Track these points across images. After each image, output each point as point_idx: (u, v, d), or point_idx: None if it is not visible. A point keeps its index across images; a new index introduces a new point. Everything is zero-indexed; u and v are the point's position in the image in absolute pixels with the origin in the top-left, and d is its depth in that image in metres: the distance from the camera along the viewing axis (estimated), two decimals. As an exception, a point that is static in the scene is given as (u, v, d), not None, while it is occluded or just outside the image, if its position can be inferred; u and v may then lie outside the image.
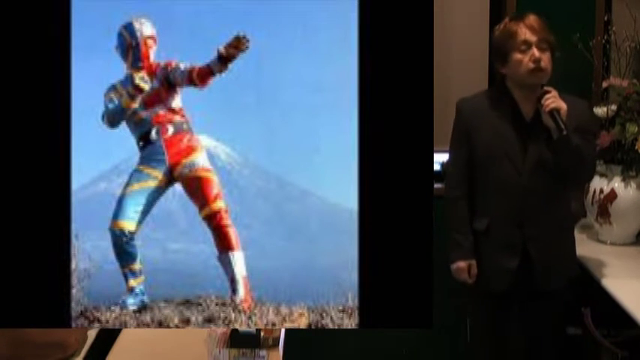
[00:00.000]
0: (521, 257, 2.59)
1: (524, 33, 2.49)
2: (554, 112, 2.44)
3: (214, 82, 2.06)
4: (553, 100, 2.45)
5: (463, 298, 2.88)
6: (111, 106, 2.11)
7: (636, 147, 2.94)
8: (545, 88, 2.50)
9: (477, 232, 2.67)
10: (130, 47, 2.12)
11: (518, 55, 2.50)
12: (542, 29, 2.50)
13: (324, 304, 1.95)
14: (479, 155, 2.62)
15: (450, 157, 2.76)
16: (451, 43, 3.46)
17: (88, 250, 2.00)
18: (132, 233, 2.04)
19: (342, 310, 1.93)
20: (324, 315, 1.92)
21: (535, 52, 2.48)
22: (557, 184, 2.58)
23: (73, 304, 1.86)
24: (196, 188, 2.07)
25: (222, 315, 1.92)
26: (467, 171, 2.67)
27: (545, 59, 2.49)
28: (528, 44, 2.49)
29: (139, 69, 2.11)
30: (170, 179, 2.10)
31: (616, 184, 3.05)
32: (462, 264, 2.68)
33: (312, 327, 1.91)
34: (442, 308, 3.20)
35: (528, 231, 2.58)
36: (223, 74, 2.04)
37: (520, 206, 2.57)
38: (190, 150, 2.10)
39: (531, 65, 2.47)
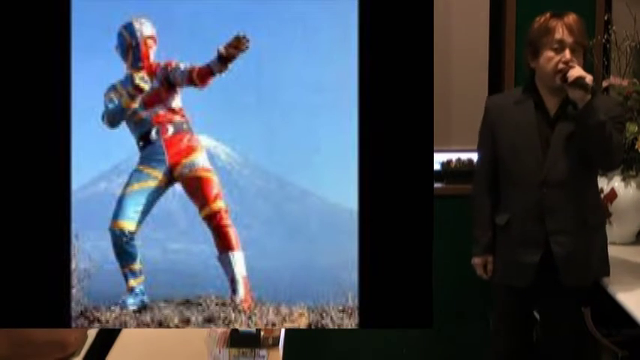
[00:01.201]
0: (543, 253, 2.59)
1: (561, 32, 2.48)
2: (579, 80, 2.41)
3: (214, 82, 2.06)
4: (577, 70, 2.43)
5: (467, 296, 2.88)
6: (111, 106, 2.12)
7: (636, 146, 2.94)
8: (566, 58, 2.46)
9: (498, 227, 2.68)
10: (130, 47, 2.12)
11: (550, 53, 2.50)
12: (580, 32, 2.50)
13: (324, 304, 1.95)
14: (502, 150, 2.65)
15: (477, 153, 2.80)
16: (451, 43, 3.46)
17: (88, 250, 2.00)
18: (132, 233, 2.04)
19: (342, 310, 1.93)
20: (324, 315, 1.92)
21: (567, 53, 2.47)
22: (579, 179, 2.57)
23: (73, 304, 1.86)
24: (196, 188, 2.07)
25: (222, 315, 1.92)
26: (490, 167, 2.71)
27: (577, 62, 2.48)
28: (562, 44, 2.48)
29: (139, 69, 2.11)
30: (170, 179, 2.10)
31: (616, 184, 3.05)
32: (477, 260, 2.76)
33: (312, 327, 1.91)
34: (442, 308, 3.21)
35: (550, 225, 2.57)
36: (223, 74, 2.04)
37: (541, 200, 2.56)
38: (190, 150, 2.10)
39: (561, 66, 2.47)
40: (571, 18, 2.51)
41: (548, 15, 2.56)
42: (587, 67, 3.18)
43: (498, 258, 2.73)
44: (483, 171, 2.75)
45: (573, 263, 2.58)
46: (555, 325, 2.71)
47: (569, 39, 2.48)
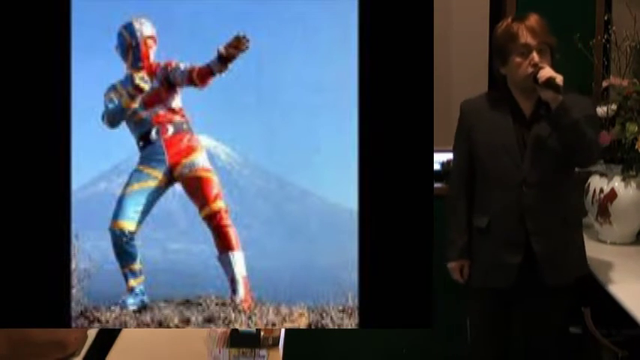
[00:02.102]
0: (524, 253, 2.59)
1: (525, 36, 2.49)
2: (550, 80, 2.41)
3: (214, 82, 2.06)
4: (547, 71, 2.44)
5: (467, 296, 2.88)
6: (111, 106, 2.12)
7: (636, 146, 2.94)
8: (535, 61, 2.47)
9: (478, 229, 2.68)
10: (130, 47, 2.12)
11: (517, 59, 2.51)
12: (543, 32, 2.50)
13: (324, 304, 1.95)
14: (478, 152, 2.65)
15: (453, 156, 2.80)
16: (451, 43, 3.46)
17: (88, 250, 2.00)
18: (132, 233, 2.04)
19: (342, 310, 1.93)
20: (324, 315, 1.92)
21: (535, 56, 2.48)
22: (558, 178, 2.58)
23: (73, 304, 1.86)
24: (196, 188, 2.07)
25: (222, 315, 1.92)
26: (466, 170, 2.70)
27: (545, 62, 2.48)
28: (528, 48, 2.49)
29: (139, 69, 2.11)
30: (170, 179, 2.10)
31: (616, 184, 3.05)
32: (453, 264, 2.74)
33: (312, 327, 1.91)
34: (442, 308, 3.21)
35: (530, 225, 2.57)
36: (223, 74, 2.04)
37: (520, 201, 2.57)
38: (190, 150, 2.10)
39: (530, 69, 2.48)
40: (532, 19, 2.51)
41: (509, 20, 2.57)
42: (587, 68, 3.20)
43: (477, 261, 2.71)
44: (459, 174, 2.74)
45: (554, 262, 2.59)
46: (538, 324, 2.71)
47: (533, 41, 2.48)
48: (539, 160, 2.55)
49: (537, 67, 2.46)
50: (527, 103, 2.57)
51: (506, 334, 2.79)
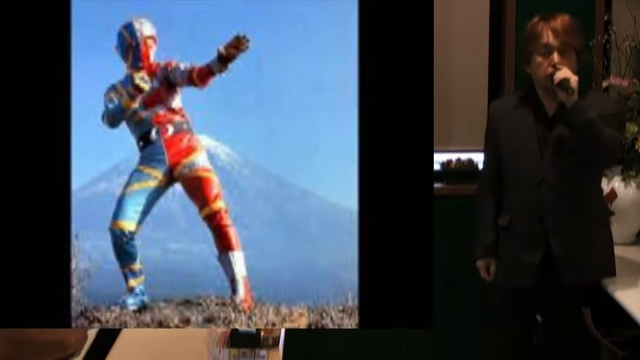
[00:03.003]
0: (544, 253, 2.59)
1: (547, 36, 2.50)
2: (564, 82, 2.42)
3: (214, 82, 2.06)
4: (563, 72, 2.44)
5: (467, 296, 2.89)
6: (111, 106, 2.12)
7: (636, 147, 2.94)
8: (554, 62, 2.48)
9: (501, 228, 2.70)
10: (130, 47, 2.12)
11: (539, 59, 2.52)
12: (567, 33, 2.50)
13: (324, 304, 1.95)
14: (503, 153, 2.68)
15: (483, 155, 2.85)
16: (451, 43, 3.46)
17: (88, 250, 2.00)
18: (132, 233, 2.04)
19: (342, 310, 1.93)
20: (324, 315, 1.92)
21: (555, 57, 2.48)
22: (578, 178, 2.58)
23: (73, 304, 1.86)
24: (196, 188, 2.07)
25: (222, 315, 1.92)
26: (494, 169, 2.74)
27: (567, 64, 2.48)
28: (549, 48, 2.49)
29: (139, 69, 2.11)
30: (170, 179, 2.10)
31: (616, 184, 3.05)
32: (480, 262, 2.80)
33: (312, 327, 1.91)
34: (442, 308, 3.20)
35: (549, 225, 2.58)
36: (223, 74, 2.04)
37: (540, 200, 2.57)
38: (190, 150, 2.10)
39: (550, 70, 2.48)
40: (558, 20, 2.52)
41: (536, 19, 2.58)
42: (587, 68, 3.20)
43: (500, 260, 2.73)
44: (487, 173, 2.80)
45: (574, 262, 2.58)
46: (557, 325, 2.71)
47: (555, 42, 2.49)
48: (559, 161, 2.55)
49: (555, 68, 2.46)
50: (551, 103, 2.57)
51: (527, 332, 2.79)
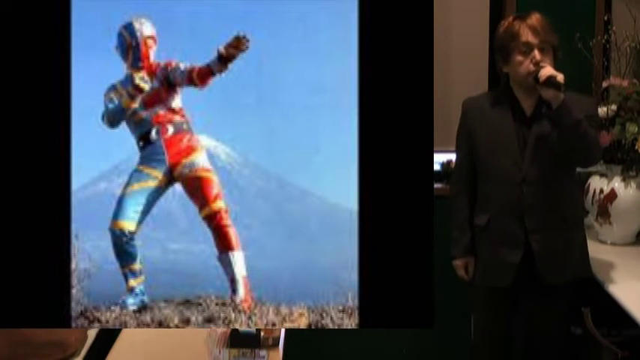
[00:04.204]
0: (524, 252, 2.60)
1: (527, 35, 2.50)
2: (550, 79, 2.42)
3: (214, 82, 2.06)
4: (548, 69, 2.44)
5: (468, 295, 2.89)
6: (111, 106, 2.12)
7: (636, 147, 2.94)
8: (536, 59, 2.48)
9: (478, 227, 2.68)
10: (130, 47, 2.12)
11: (519, 57, 2.52)
12: (545, 30, 2.51)
13: (324, 304, 1.95)
14: (479, 152, 2.66)
15: (455, 154, 2.81)
16: (451, 43, 3.46)
17: (88, 250, 2.00)
18: (132, 233, 2.04)
19: (342, 310, 1.93)
20: (324, 315, 1.92)
21: (536, 54, 2.48)
22: (557, 177, 2.58)
23: (73, 304, 1.86)
24: (196, 188, 2.07)
25: (222, 315, 1.92)
26: (468, 168, 2.72)
27: (547, 61, 2.49)
28: (530, 46, 2.49)
29: (139, 69, 2.11)
30: (170, 179, 2.10)
31: (616, 184, 3.05)
32: (457, 262, 2.77)
33: (312, 327, 1.91)
34: (442, 308, 3.20)
35: (529, 224, 2.58)
36: (223, 74, 2.04)
37: (519, 199, 2.57)
38: (190, 150, 2.10)
39: (532, 67, 2.48)
40: (534, 18, 2.52)
41: (511, 19, 2.58)
42: (587, 68, 3.20)
43: (479, 259, 2.73)
44: (461, 172, 2.75)
45: (553, 261, 2.60)
46: (538, 324, 2.72)
47: (534, 40, 2.49)
48: (538, 159, 2.55)
49: (538, 66, 2.47)
50: (528, 101, 2.58)
51: (508, 333, 2.79)
